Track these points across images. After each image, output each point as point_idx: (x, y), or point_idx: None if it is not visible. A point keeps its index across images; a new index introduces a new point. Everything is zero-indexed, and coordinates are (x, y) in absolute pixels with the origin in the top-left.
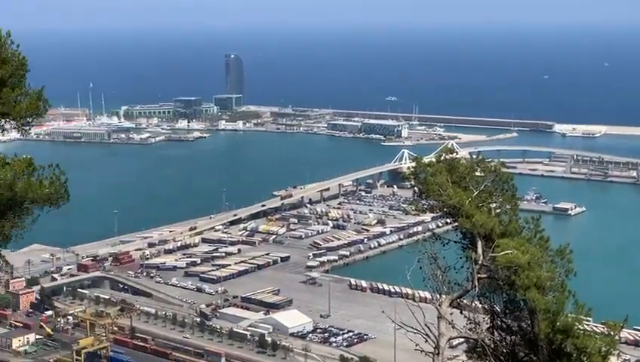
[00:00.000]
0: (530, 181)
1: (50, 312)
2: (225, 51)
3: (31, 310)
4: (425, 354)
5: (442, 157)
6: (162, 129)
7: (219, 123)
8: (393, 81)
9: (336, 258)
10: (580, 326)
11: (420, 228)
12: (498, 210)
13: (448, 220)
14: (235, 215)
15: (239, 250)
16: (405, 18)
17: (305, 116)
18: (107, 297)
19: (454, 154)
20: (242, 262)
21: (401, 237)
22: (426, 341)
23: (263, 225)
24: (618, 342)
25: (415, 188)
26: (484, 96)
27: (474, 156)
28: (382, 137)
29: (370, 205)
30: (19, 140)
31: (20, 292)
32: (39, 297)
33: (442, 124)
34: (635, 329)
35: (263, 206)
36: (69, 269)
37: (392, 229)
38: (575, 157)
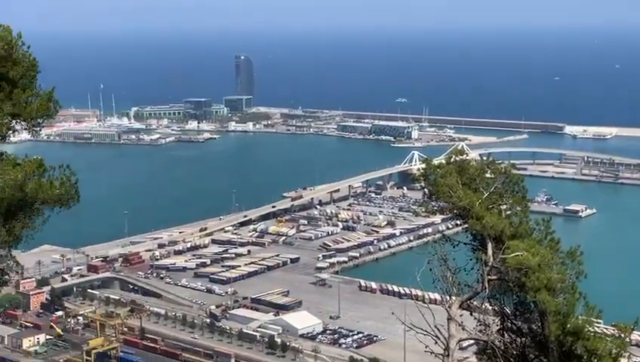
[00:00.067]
0: (541, 183)
1: (60, 313)
2: (235, 53)
3: (41, 310)
4: (435, 356)
5: (452, 159)
6: (172, 130)
7: (229, 124)
8: (403, 82)
9: (346, 259)
10: (590, 329)
11: (430, 230)
12: (508, 212)
13: (458, 222)
14: (245, 216)
15: (249, 251)
16: (415, 20)
17: (315, 117)
18: (117, 298)
19: (464, 155)
20: (252, 263)
21: (411, 238)
22: (436, 342)
23: (273, 226)
24: (629, 344)
25: (425, 189)
26: (495, 97)
27: (484, 158)
28: (392, 139)
29: (380, 206)
30: (29, 141)
31: (31, 293)
32: (49, 297)
33: (452, 126)
34: None
35: (273, 207)
36: (79, 270)
37: (402, 231)
38: (586, 158)
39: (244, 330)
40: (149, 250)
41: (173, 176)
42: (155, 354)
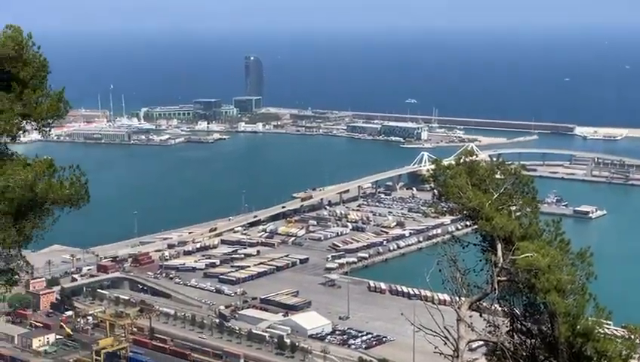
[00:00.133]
0: (551, 184)
1: (70, 312)
2: (242, 53)
3: (51, 310)
4: (444, 357)
5: (462, 160)
6: (182, 130)
7: (238, 125)
8: (413, 83)
9: (356, 260)
10: (600, 330)
11: (439, 231)
12: (518, 213)
13: (468, 223)
14: (255, 216)
15: (258, 252)
16: (425, 20)
17: (324, 118)
18: (127, 298)
19: (474, 156)
20: (261, 263)
21: (421, 239)
22: (445, 343)
23: (282, 226)
24: (639, 346)
25: (434, 190)
26: (505, 98)
27: (494, 159)
28: (401, 139)
29: (390, 207)
30: (40, 141)
31: (41, 293)
32: (59, 297)
33: (462, 127)
34: None
35: (283, 207)
36: (88, 270)
37: (412, 231)
38: (596, 160)
39: (254, 331)
40: (159, 251)
41: (182, 177)
42: (165, 354)
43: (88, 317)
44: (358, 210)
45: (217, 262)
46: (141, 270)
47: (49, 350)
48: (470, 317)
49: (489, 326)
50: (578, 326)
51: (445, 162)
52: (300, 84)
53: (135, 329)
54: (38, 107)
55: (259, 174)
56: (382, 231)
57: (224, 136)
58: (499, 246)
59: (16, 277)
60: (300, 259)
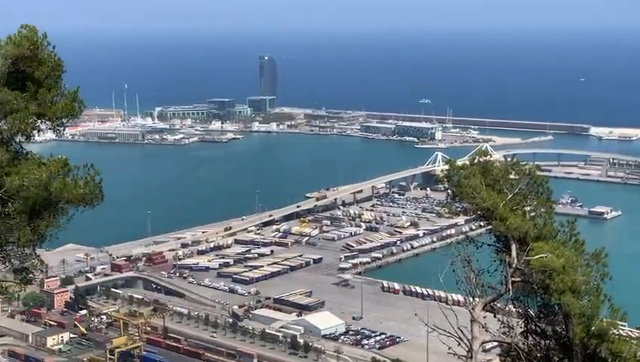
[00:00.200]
0: (566, 184)
1: (84, 311)
2: (258, 53)
3: (65, 309)
4: (458, 358)
5: (476, 160)
6: (196, 130)
7: (252, 124)
8: (427, 83)
9: (369, 260)
10: (615, 331)
11: (453, 231)
12: (533, 213)
13: (482, 223)
14: (270, 215)
15: (272, 252)
16: (439, 20)
17: (338, 118)
18: (140, 297)
19: (488, 156)
20: (275, 263)
21: (434, 239)
22: (459, 344)
23: (296, 226)
24: None
25: (448, 190)
26: (519, 98)
27: (508, 159)
28: (415, 139)
29: (404, 207)
30: (54, 141)
31: (55, 292)
32: (73, 296)
33: (476, 127)
34: None
35: (298, 207)
36: (102, 269)
37: (425, 232)
38: (611, 160)
39: (267, 330)
40: (173, 250)
41: (196, 176)
42: (178, 354)
43: (102, 316)
44: (371, 210)
45: (231, 261)
46: (155, 269)
47: (63, 349)
48: (484, 317)
49: (503, 326)
50: (593, 328)
51: (459, 162)
52: (314, 83)
53: (149, 329)
54: (52, 106)
55: (272, 174)
56: (395, 231)
57: (238, 136)
58: (513, 247)
59: (31, 275)
60: (313, 259)
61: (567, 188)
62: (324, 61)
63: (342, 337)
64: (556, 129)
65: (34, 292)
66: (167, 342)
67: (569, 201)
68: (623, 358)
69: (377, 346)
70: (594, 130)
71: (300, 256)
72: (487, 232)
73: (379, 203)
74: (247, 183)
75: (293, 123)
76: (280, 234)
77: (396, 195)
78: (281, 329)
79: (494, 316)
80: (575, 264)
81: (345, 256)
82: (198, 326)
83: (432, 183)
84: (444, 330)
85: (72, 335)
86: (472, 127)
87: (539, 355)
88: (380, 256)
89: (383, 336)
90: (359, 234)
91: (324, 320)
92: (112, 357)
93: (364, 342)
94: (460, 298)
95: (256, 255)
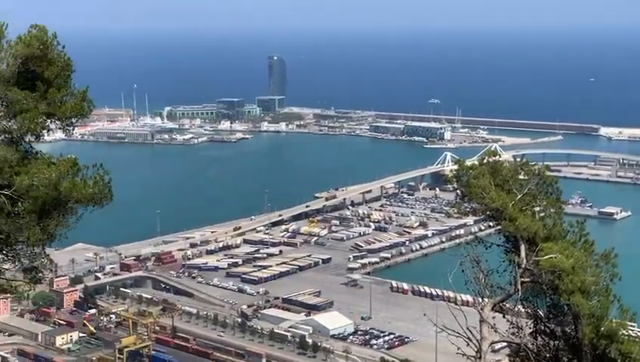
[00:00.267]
0: (575, 185)
1: (93, 311)
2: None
3: (74, 308)
4: (467, 358)
5: (485, 160)
6: (205, 130)
7: (261, 124)
8: (436, 83)
9: (378, 260)
10: (624, 332)
11: (462, 231)
12: (542, 214)
13: (491, 223)
14: (279, 215)
15: (281, 252)
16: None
17: (347, 118)
18: (149, 296)
19: (497, 157)
20: (283, 263)
21: (443, 239)
22: (468, 344)
23: (305, 226)
24: None
25: (458, 190)
26: (529, 98)
27: (517, 159)
28: (424, 139)
29: (413, 207)
30: (63, 140)
31: (64, 291)
32: (83, 296)
33: (485, 127)
34: None
35: (307, 206)
36: (112, 268)
37: (434, 232)
38: (621, 160)
39: (276, 330)
40: (181, 250)
41: (205, 176)
42: (187, 353)
43: (111, 316)
44: (380, 210)
45: (240, 261)
46: (164, 269)
47: (72, 348)
48: (493, 318)
49: (512, 327)
50: (602, 328)
51: (468, 162)
52: (323, 83)
53: (157, 328)
54: (62, 106)
55: (281, 174)
56: (404, 231)
57: (247, 136)
58: (522, 247)
59: (40, 275)
60: (322, 259)
61: (576, 188)
62: (334, 61)
63: (350, 337)
64: (566, 129)
65: (43, 291)
66: (176, 341)
67: (578, 202)
68: (633, 359)
69: (386, 346)
70: (603, 131)
71: (309, 256)
72: (497, 232)
73: (388, 203)
74: (256, 183)
75: (302, 123)
76: (289, 234)
77: (405, 195)
78: (290, 329)
79: (503, 316)
80: (584, 264)
81: (354, 256)
82: (207, 326)
83: (441, 183)
84: (453, 331)
85: (81, 335)
86: (482, 127)
87: (548, 356)
88: (389, 256)
89: (392, 336)
90: (368, 234)
91: (333, 320)
92: (121, 356)
93: (373, 342)
94: (469, 298)
95: (265, 255)
